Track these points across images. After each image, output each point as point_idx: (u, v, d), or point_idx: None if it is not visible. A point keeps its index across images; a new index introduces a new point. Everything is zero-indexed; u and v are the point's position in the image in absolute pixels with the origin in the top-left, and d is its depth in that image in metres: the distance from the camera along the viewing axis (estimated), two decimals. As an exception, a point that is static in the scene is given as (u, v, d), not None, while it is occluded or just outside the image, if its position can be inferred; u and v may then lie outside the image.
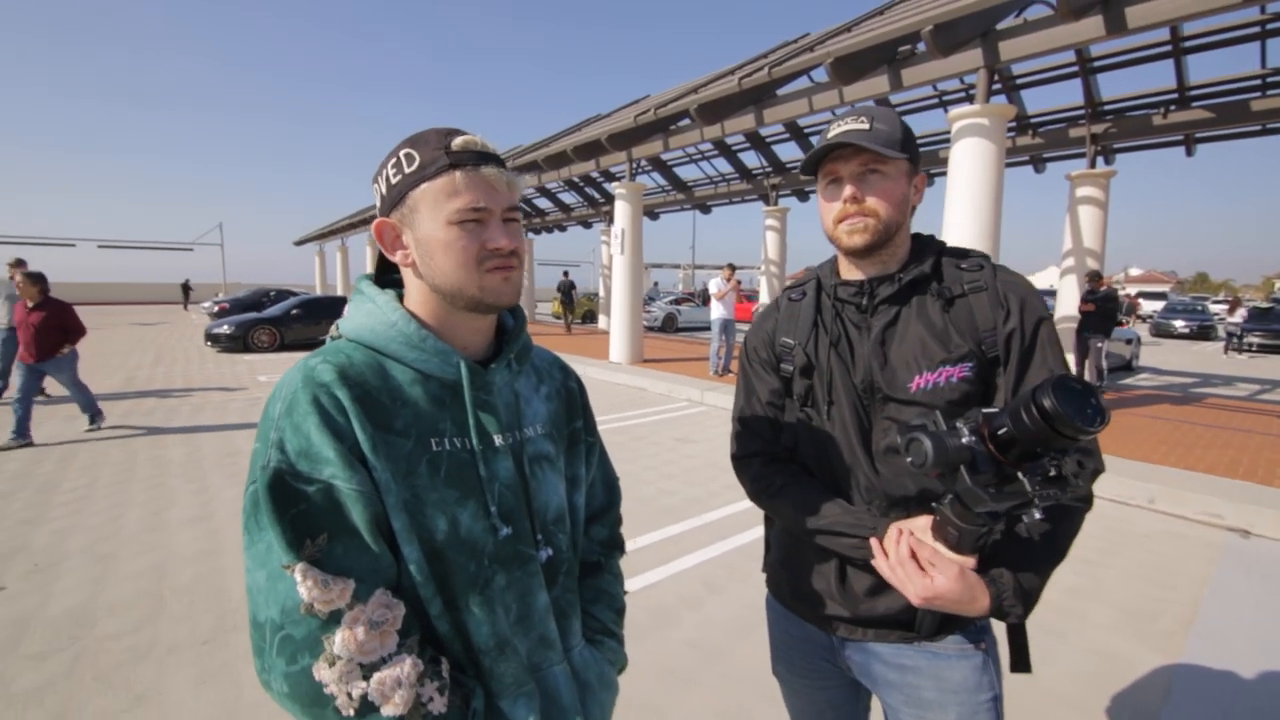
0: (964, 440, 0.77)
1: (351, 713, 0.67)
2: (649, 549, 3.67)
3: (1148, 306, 22.42)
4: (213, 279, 41.52)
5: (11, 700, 2.25)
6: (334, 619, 0.66)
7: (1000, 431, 0.77)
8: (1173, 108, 8.46)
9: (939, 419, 0.81)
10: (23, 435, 5.69)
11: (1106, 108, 9.03)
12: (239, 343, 13.22)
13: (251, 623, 0.69)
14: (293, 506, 0.68)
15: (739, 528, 4.02)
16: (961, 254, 1.07)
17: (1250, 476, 4.77)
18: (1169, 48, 7.84)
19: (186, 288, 34.92)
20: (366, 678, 0.67)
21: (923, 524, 0.93)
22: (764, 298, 14.01)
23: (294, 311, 14.15)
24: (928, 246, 1.07)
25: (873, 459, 1.03)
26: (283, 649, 0.66)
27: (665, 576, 3.34)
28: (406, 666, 0.69)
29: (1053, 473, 0.76)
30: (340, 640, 0.66)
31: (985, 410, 0.81)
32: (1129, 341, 12.34)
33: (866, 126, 0.98)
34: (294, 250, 40.92)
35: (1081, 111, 9.09)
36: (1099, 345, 8.50)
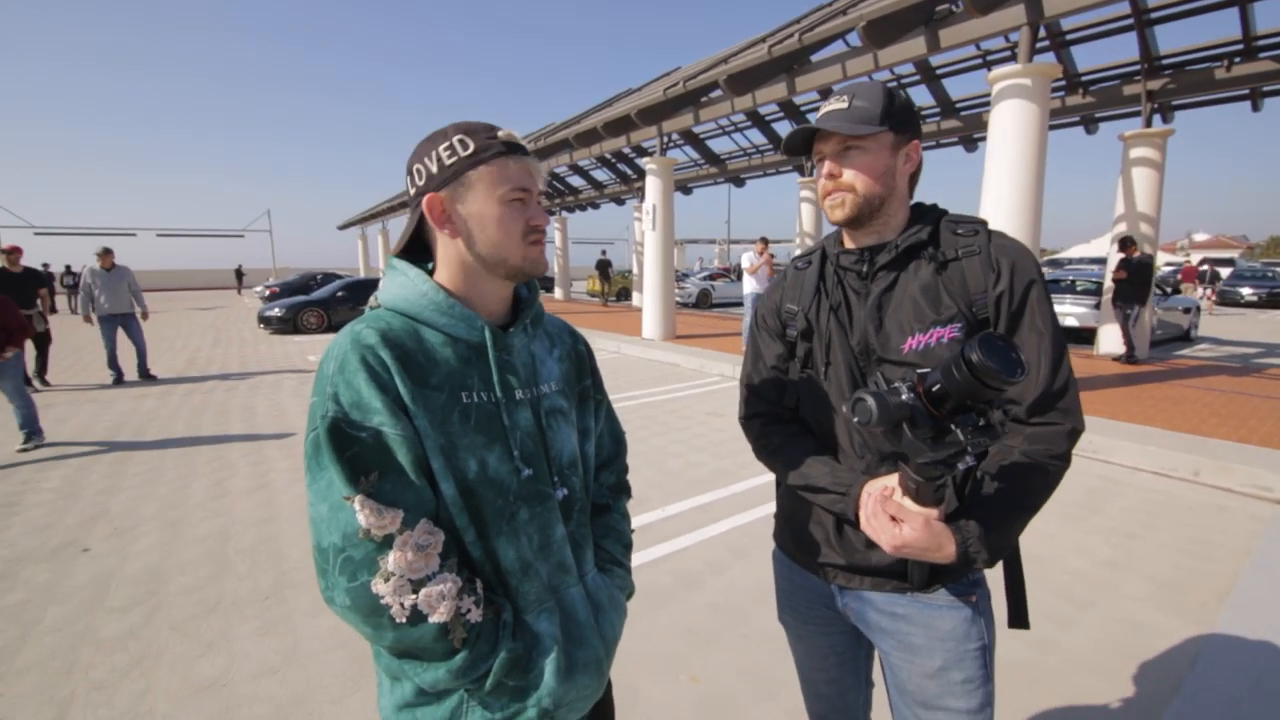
0: (903, 397, 0.83)
1: (404, 619, 0.79)
2: (678, 517, 3.78)
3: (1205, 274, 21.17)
4: (263, 264, 43.13)
5: (99, 646, 2.51)
6: (387, 542, 0.78)
7: (934, 388, 0.82)
8: (1238, 60, 7.91)
9: (880, 379, 0.87)
10: (34, 432, 5.32)
11: (1164, 62, 8.49)
12: (289, 325, 13.80)
13: (315, 549, 0.81)
14: (349, 449, 0.79)
15: (766, 497, 4.09)
16: (959, 220, 1.11)
17: (1301, 448, 4.57)
18: (1235, -6, 7.31)
19: (239, 273, 36.37)
20: (416, 591, 0.79)
21: (894, 480, 0.99)
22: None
23: (339, 294, 14.67)
24: (927, 214, 1.11)
25: None
26: (344, 568, 0.78)
27: (693, 543, 3.45)
28: (448, 583, 0.81)
29: (982, 423, 0.83)
30: (393, 560, 0.78)
31: (920, 369, 0.87)
32: (1186, 310, 11.76)
33: (845, 105, 1.04)
34: (338, 234, 42.08)
35: (1137, 67, 8.57)
36: (1128, 313, 8.17)
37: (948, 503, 0.96)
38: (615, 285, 24.05)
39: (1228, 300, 21.53)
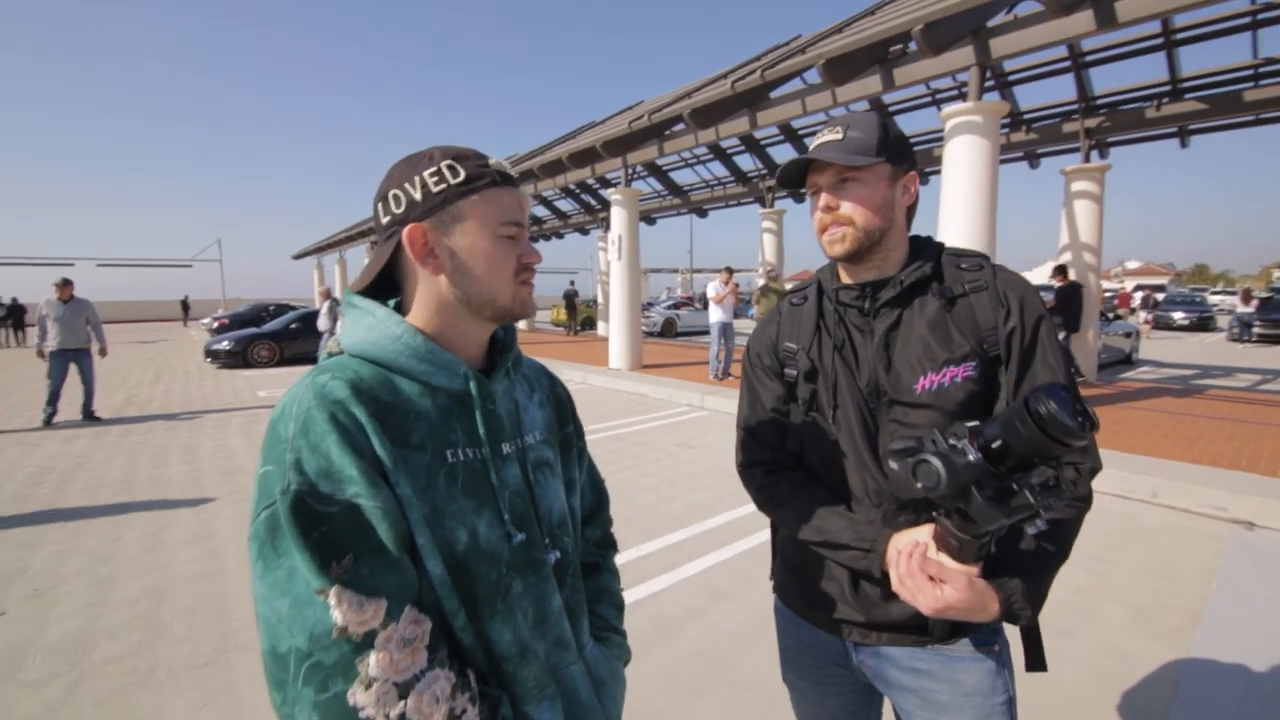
0: (970, 458, 0.76)
1: None
2: (652, 557, 3.65)
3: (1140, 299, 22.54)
4: (212, 295, 41.58)
5: (11, 728, 2.23)
6: (368, 640, 0.65)
7: (993, 444, 0.76)
8: (1166, 100, 8.47)
9: (937, 436, 0.80)
10: None
11: (1099, 102, 9.03)
12: (239, 358, 13.22)
13: (269, 655, 0.66)
14: (316, 529, 0.66)
15: (742, 533, 4.00)
16: (961, 254, 1.07)
17: (1254, 468, 4.75)
18: (1160, 40, 7.85)
19: (185, 304, 34.95)
20: (403, 696, 0.66)
21: (924, 534, 0.93)
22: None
23: (293, 326, 14.14)
24: (927, 247, 1.07)
25: (880, 462, 1.02)
26: (310, 677, 0.64)
27: (669, 584, 3.32)
28: (441, 681, 0.69)
29: (1050, 482, 0.76)
30: (375, 661, 0.65)
31: (969, 424, 0.81)
32: (1128, 335, 12.33)
33: (840, 136, 0.99)
34: (292, 264, 40.97)
35: (1075, 106, 9.09)
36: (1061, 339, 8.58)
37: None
38: (580, 315, 24.01)
39: (1162, 324, 22.78)
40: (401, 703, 0.66)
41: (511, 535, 0.80)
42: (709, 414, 7.92)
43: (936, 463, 0.76)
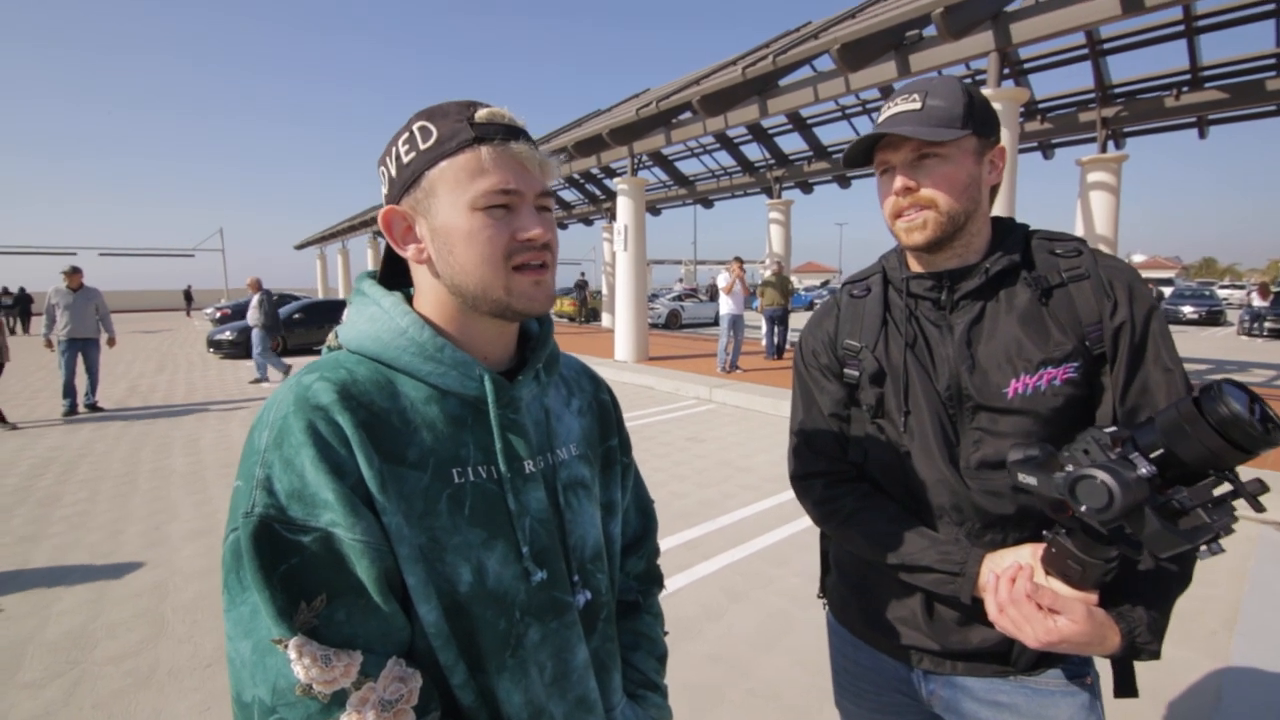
0: (1142, 472, 0.65)
1: None
2: (666, 556, 3.55)
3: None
4: (214, 285, 41.54)
5: (6, 733, 2.15)
6: (338, 701, 0.54)
7: (1153, 455, 0.66)
8: (1185, 89, 8.29)
9: (1090, 446, 0.69)
10: None
11: (1117, 90, 8.85)
12: (242, 349, 13.11)
13: (235, 701, 0.57)
14: (283, 562, 0.55)
15: (757, 531, 3.91)
16: (1054, 238, 0.94)
17: (1279, 466, 4.63)
18: (1181, 28, 7.66)
19: (188, 294, 34.90)
20: None
21: (1025, 555, 0.82)
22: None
23: (296, 316, 14.05)
24: (1013, 231, 0.95)
25: (962, 475, 0.91)
26: None
27: (685, 584, 3.23)
28: None
29: (1227, 495, 0.65)
30: None
31: (1111, 429, 0.69)
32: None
33: (918, 106, 0.87)
34: (295, 254, 40.88)
35: (1092, 95, 8.91)
36: None
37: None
38: (585, 305, 23.91)
39: (1171, 319, 22.61)
40: None
41: (531, 573, 0.67)
42: (717, 407, 7.82)
43: (1105, 478, 0.64)
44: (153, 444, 6.16)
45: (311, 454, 0.57)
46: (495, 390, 0.68)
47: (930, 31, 6.10)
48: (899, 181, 0.89)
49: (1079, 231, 9.09)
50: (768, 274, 11.27)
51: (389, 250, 0.73)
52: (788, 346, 11.00)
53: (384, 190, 0.69)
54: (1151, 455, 0.66)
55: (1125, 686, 0.91)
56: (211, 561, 3.47)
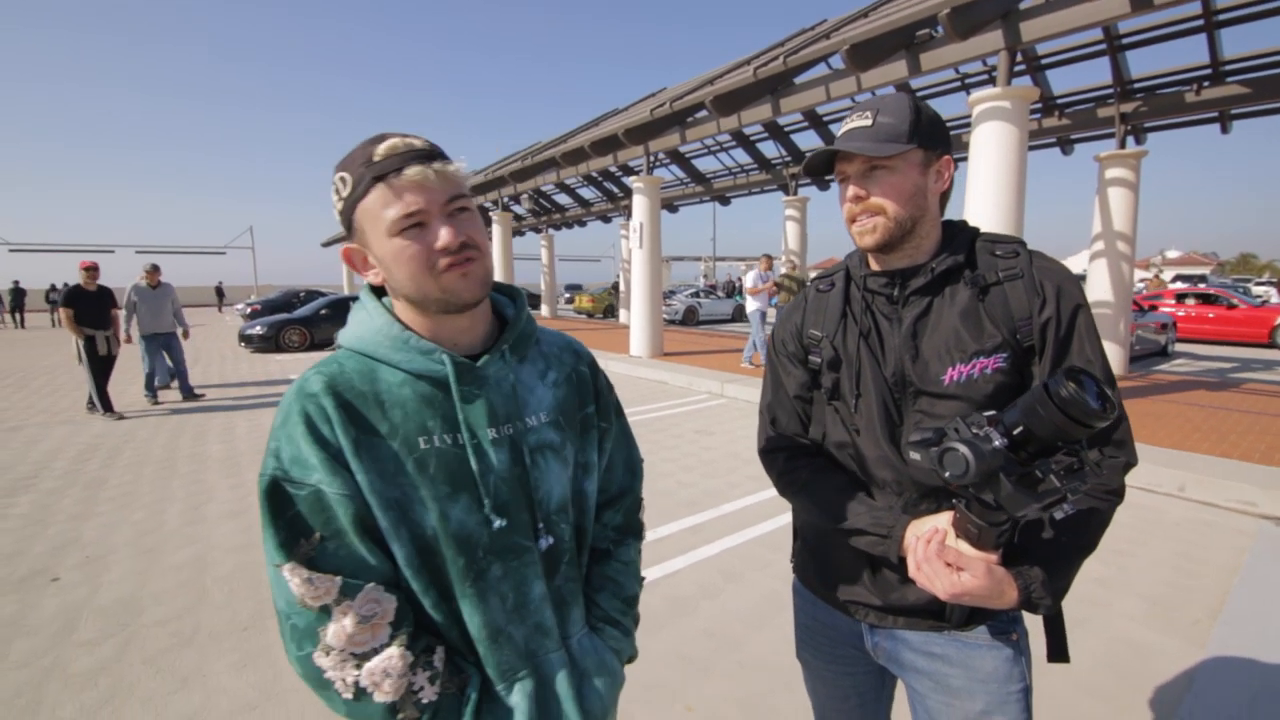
0: (996, 444, 0.76)
1: (350, 696, 0.74)
2: (669, 540, 3.73)
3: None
4: (245, 281, 42.64)
5: (68, 682, 2.40)
6: (325, 612, 0.73)
7: (1015, 430, 0.76)
8: (1206, 84, 8.17)
9: (960, 424, 0.80)
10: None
11: (1136, 86, 8.74)
12: (271, 343, 13.59)
13: (277, 609, 0.77)
14: (288, 510, 0.74)
15: (757, 518, 4.05)
16: (996, 240, 1.03)
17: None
18: (1200, 22, 7.56)
19: (220, 291, 35.88)
20: (360, 666, 0.74)
21: (943, 521, 0.93)
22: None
23: (323, 311, 14.49)
24: (960, 234, 1.04)
25: (901, 453, 1.01)
26: (292, 635, 0.75)
27: (684, 566, 3.39)
28: (395, 659, 0.75)
29: (1075, 466, 0.76)
30: (332, 632, 0.73)
31: (987, 413, 0.81)
32: (1164, 326, 11.99)
33: (869, 123, 0.96)
34: (321, 251, 41.71)
35: (1110, 90, 8.81)
36: None
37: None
38: (602, 302, 24.09)
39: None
40: (357, 671, 0.74)
41: (491, 520, 0.82)
42: (728, 401, 7.95)
43: (964, 450, 0.75)
44: (190, 432, 6.50)
45: (302, 430, 0.75)
46: (456, 371, 0.82)
47: (940, 31, 6.15)
48: (851, 190, 0.99)
49: (1097, 226, 9.02)
50: (783, 270, 11.36)
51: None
52: None
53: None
54: (1015, 431, 0.77)
55: (1057, 651, 1.00)
56: (248, 539, 3.74)
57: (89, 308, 6.97)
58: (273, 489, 0.74)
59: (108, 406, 7.12)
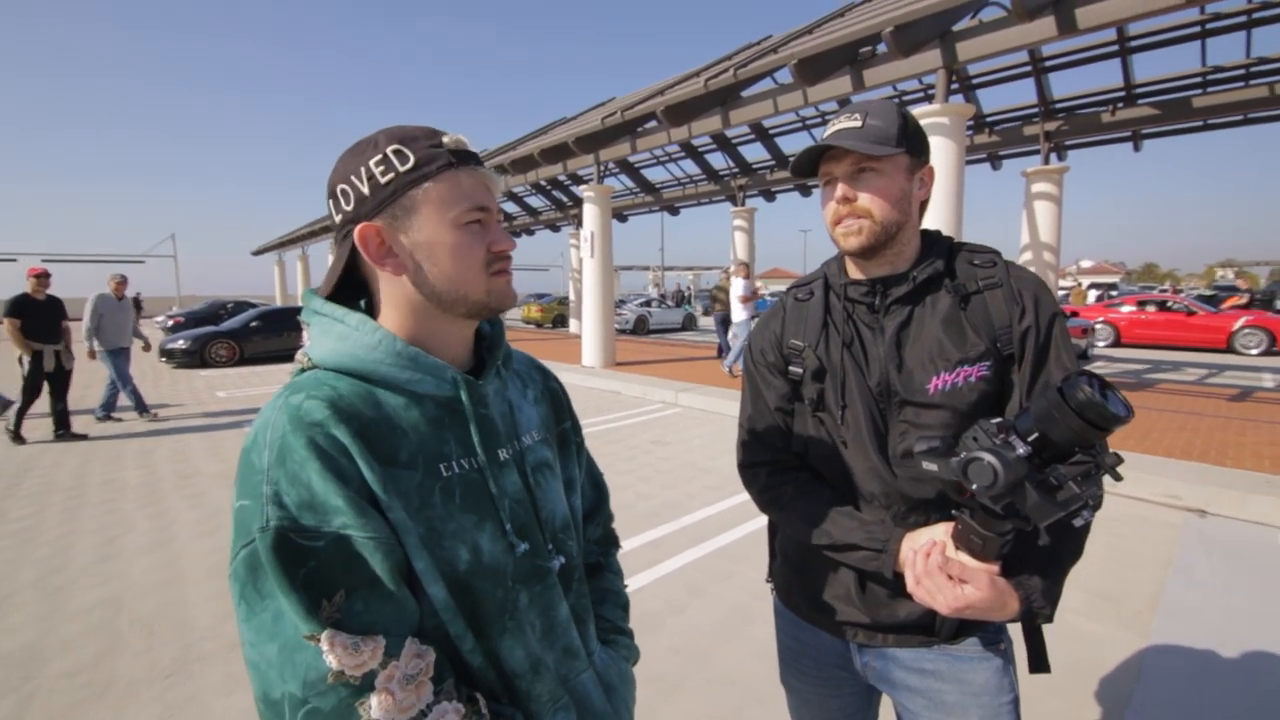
0: (1020, 452, 0.74)
1: None
2: (630, 554, 3.64)
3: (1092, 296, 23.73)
4: (166, 292, 40.10)
5: (-45, 750, 2.10)
6: (367, 682, 0.61)
7: (1030, 437, 0.75)
8: (1120, 105, 8.80)
9: (979, 433, 0.79)
10: None
11: (1058, 106, 9.34)
12: (195, 358, 12.73)
13: (261, 700, 0.62)
14: (302, 566, 0.61)
15: (718, 529, 4.02)
16: (974, 250, 1.04)
17: (1204, 458, 4.96)
18: (1116, 47, 8.15)
19: (138, 302, 33.60)
20: None
21: (940, 533, 0.92)
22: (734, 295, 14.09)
23: (253, 324, 13.68)
24: (938, 243, 1.04)
25: (889, 463, 1.00)
26: None
27: (648, 582, 3.31)
28: (449, 716, 0.65)
29: (1091, 471, 0.76)
30: (377, 704, 0.61)
31: (997, 420, 0.80)
32: (1085, 331, 12.78)
33: (858, 124, 0.95)
34: (252, 261, 39.71)
35: (1035, 110, 9.38)
36: None
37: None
38: (551, 311, 23.85)
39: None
40: None
41: (515, 546, 0.76)
42: (682, 410, 7.94)
43: (990, 459, 0.73)
44: (103, 456, 5.97)
45: (317, 466, 0.63)
46: (469, 390, 0.76)
47: (882, 49, 6.37)
48: (840, 190, 0.98)
49: (1025, 237, 9.54)
50: (717, 283, 11.61)
51: (344, 266, 0.77)
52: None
53: (346, 206, 0.73)
54: (1029, 439, 0.76)
55: (1039, 662, 1.01)
56: (170, 574, 3.41)
57: (38, 319, 6.30)
58: (280, 543, 0.61)
59: (65, 425, 6.58)
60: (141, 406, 7.51)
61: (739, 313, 9.43)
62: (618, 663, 0.92)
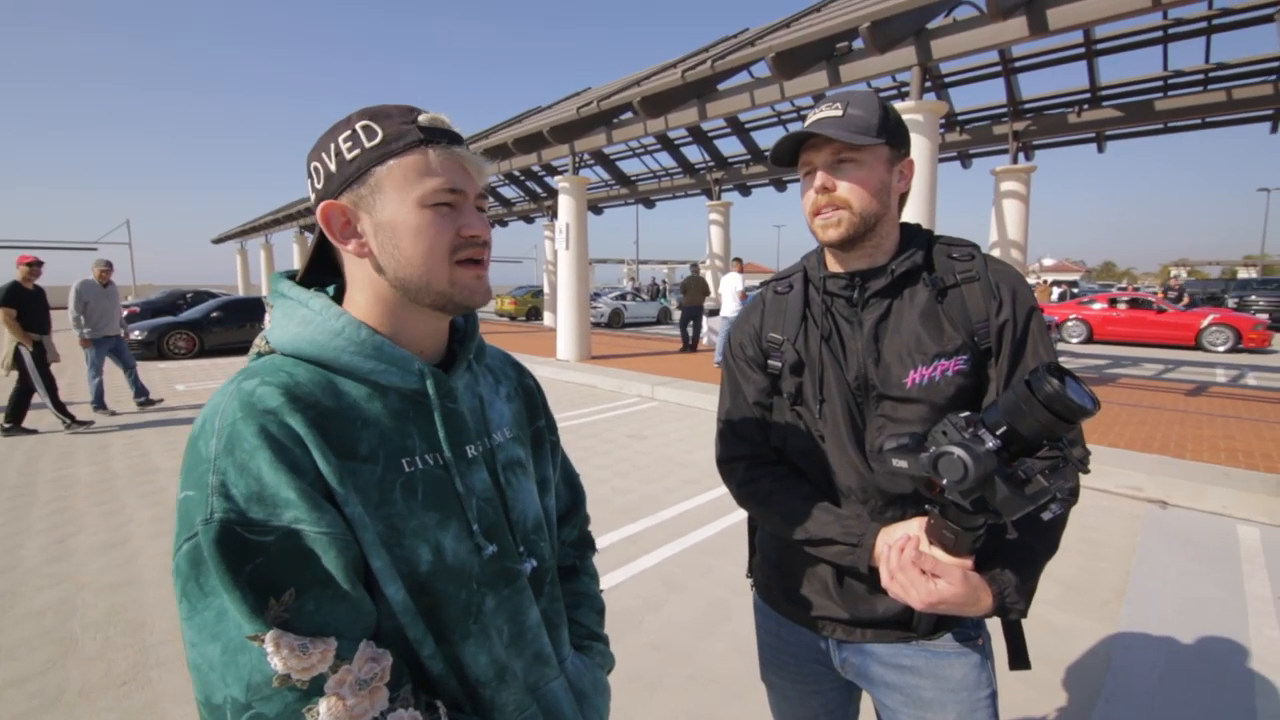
0: (990, 445, 0.74)
1: None
2: (607, 550, 3.60)
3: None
4: (121, 281, 38.56)
5: (-114, 767, 1.96)
6: (316, 687, 0.57)
7: (999, 431, 0.75)
8: (1085, 106, 9.01)
9: (948, 428, 0.78)
10: None
11: (1027, 106, 9.53)
12: (152, 349, 12.26)
13: (203, 705, 0.57)
14: (248, 562, 0.57)
15: (696, 524, 4.01)
16: (952, 243, 1.04)
17: (1164, 450, 5.13)
18: (1082, 50, 8.33)
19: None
20: None
21: (914, 528, 0.91)
22: (713, 291, 14.17)
23: (214, 314, 13.26)
24: (917, 236, 1.04)
25: (866, 458, 0.99)
26: None
27: (626, 578, 3.28)
28: None
29: (1059, 464, 0.76)
30: (326, 710, 0.56)
31: (965, 414, 0.79)
32: (1050, 328, 13.17)
33: (839, 113, 0.94)
34: (212, 249, 38.42)
35: (1004, 109, 9.56)
36: None
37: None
38: (525, 304, 23.62)
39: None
40: None
41: (482, 548, 0.71)
42: (659, 404, 7.92)
43: (960, 453, 0.73)
44: (53, 452, 5.69)
45: (268, 456, 0.59)
46: (435, 383, 0.72)
47: (859, 44, 6.40)
48: (819, 180, 0.96)
49: (993, 235, 9.73)
50: (689, 274, 11.85)
51: (316, 247, 0.75)
52: (702, 341, 12.37)
53: (316, 185, 0.71)
54: (997, 432, 0.75)
55: (1018, 659, 1.01)
56: (125, 575, 3.26)
57: (31, 309, 6.09)
58: (225, 537, 0.56)
59: (18, 420, 6.34)
60: (99, 402, 7.21)
61: (730, 305, 9.56)
62: (592, 670, 0.89)
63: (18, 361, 6.14)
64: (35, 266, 6.20)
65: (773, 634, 1.19)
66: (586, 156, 13.63)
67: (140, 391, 7.36)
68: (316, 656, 0.57)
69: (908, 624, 1.02)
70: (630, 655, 2.58)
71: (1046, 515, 0.75)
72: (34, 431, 6.39)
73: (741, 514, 4.24)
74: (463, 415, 0.75)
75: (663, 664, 2.54)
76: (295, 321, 0.69)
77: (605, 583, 3.19)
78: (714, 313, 12.91)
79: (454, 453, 0.72)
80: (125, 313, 16.70)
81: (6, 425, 6.27)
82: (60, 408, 6.39)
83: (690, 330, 12.13)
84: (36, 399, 6.34)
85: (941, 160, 11.39)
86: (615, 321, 20.77)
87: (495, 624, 0.73)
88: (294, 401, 0.62)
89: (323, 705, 0.56)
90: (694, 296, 11.86)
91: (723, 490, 4.58)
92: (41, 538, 3.76)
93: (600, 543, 3.68)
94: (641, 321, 21.90)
